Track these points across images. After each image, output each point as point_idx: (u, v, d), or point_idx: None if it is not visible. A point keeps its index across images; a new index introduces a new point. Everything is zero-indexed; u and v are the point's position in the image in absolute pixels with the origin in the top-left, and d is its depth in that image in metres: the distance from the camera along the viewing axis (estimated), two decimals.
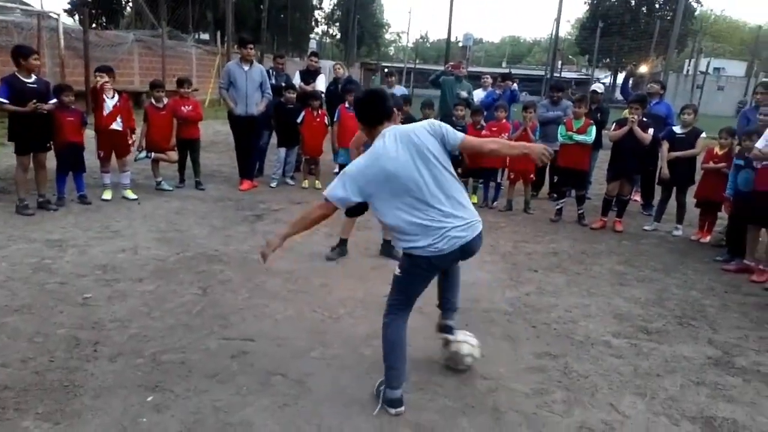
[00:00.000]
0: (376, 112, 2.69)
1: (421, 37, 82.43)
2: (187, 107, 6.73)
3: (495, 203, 7.09)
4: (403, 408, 2.64)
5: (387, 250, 4.84)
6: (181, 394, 2.69)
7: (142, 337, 3.21)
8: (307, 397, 2.75)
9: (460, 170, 7.19)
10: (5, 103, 5.04)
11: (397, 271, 2.69)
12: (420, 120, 7.19)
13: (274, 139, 7.88)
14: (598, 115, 7.27)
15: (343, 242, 4.82)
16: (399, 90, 8.29)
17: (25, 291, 3.69)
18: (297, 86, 7.68)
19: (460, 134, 2.70)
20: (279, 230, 2.88)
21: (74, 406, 2.54)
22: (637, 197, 7.46)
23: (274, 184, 7.42)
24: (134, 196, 6.20)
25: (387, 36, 72.81)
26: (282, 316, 3.62)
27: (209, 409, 2.59)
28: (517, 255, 5.21)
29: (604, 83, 24.99)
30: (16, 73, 5.20)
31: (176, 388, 2.73)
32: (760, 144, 4.73)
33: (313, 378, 2.92)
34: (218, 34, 21.37)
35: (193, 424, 2.48)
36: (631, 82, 8.46)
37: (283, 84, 7.58)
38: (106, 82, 5.85)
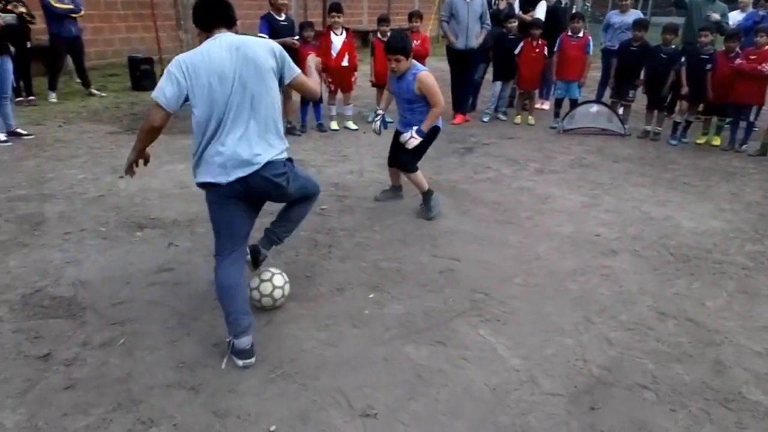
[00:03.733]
0: (213, 15, 2.40)
1: None
2: (415, 42, 6.90)
3: (744, 146, 6.04)
4: (252, 360, 2.39)
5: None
6: (396, 296, 3.03)
7: (366, 245, 3.64)
8: (510, 317, 2.85)
9: (701, 107, 6.28)
10: (265, 38, 5.87)
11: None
12: (653, 47, 6.35)
13: (489, 74, 7.80)
14: None
15: (396, 188, 4.44)
16: (634, 14, 7.37)
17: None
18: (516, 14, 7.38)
19: (297, 69, 2.51)
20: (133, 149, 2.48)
21: (313, 292, 3.05)
22: None
23: (486, 119, 7.42)
24: (356, 127, 6.79)
25: None
26: (488, 243, 3.73)
27: (419, 311, 2.88)
28: (767, 206, 4.45)
29: None
30: (271, 12, 6.01)
31: (392, 291, 3.08)
32: None
33: (516, 301, 3.00)
34: None
35: (407, 321, 2.79)
36: None
37: (505, 12, 7.33)
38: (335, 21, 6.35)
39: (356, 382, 2.35)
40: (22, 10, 6.77)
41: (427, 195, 4.09)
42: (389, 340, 2.64)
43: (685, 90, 6.12)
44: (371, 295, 3.04)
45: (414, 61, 3.79)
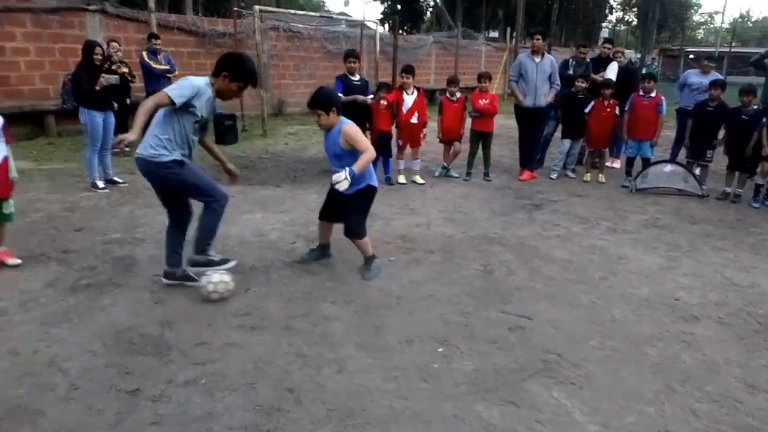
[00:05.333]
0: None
1: (742, 16, 68.88)
2: (484, 101, 7.04)
3: None
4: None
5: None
6: (465, 352, 3.01)
7: (433, 298, 3.67)
8: (586, 381, 2.77)
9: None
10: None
11: None
12: (734, 108, 6.26)
13: (558, 132, 7.81)
14: None
15: (324, 247, 4.28)
16: (713, 76, 7.26)
17: (357, 251, 4.48)
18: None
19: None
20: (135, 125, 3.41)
21: (382, 343, 3.09)
22: None
23: (554, 176, 7.38)
24: (422, 181, 6.93)
25: (696, 17, 63.33)
26: (559, 302, 3.67)
27: (490, 370, 2.85)
28: None
29: None
30: (345, 73, 6.38)
31: (461, 346, 3.07)
32: None
33: (591, 365, 2.92)
34: (507, 30, 21.90)
35: (476, 378, 2.77)
36: None
37: (581, 74, 7.38)
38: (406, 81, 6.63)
39: None
40: (125, 70, 7.54)
41: (369, 259, 4.01)
42: (459, 397, 2.63)
43: (766, 151, 5.89)
44: (440, 349, 3.04)
45: (342, 117, 3.72)
